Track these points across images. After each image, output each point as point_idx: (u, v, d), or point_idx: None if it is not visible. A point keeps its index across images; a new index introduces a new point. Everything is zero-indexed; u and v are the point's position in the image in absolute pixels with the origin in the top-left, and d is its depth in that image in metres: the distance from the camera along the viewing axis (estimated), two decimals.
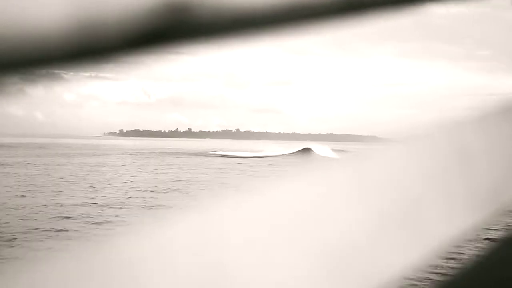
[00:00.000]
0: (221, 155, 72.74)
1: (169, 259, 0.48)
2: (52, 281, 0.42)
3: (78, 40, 0.44)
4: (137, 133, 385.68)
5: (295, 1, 0.58)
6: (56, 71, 0.46)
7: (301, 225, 0.56)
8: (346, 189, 0.62)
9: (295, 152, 71.15)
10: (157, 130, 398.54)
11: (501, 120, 0.85)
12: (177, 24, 0.49)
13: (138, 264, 0.46)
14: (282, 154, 70.30)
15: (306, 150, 72.01)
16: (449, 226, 0.72)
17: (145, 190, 30.33)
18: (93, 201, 25.49)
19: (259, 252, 0.53)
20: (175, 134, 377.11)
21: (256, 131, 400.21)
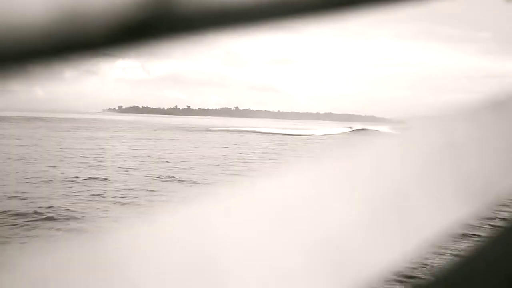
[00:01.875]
0: (259, 132, 70.48)
1: (160, 252, 0.48)
2: (38, 277, 0.42)
3: (60, 34, 0.43)
4: (136, 110, 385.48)
5: None
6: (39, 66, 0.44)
7: (290, 218, 0.57)
8: (335, 182, 0.62)
9: (348, 131, 69.81)
10: (156, 107, 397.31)
11: (494, 111, 0.86)
12: (162, 18, 0.48)
13: (129, 259, 0.46)
14: (336, 133, 69.20)
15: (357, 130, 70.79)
16: (442, 218, 0.72)
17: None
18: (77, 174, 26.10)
19: (249, 246, 0.53)
20: (174, 111, 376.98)
21: (255, 109, 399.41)
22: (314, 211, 0.59)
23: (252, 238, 0.53)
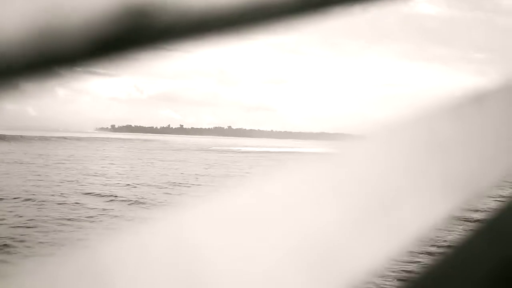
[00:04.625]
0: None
1: (148, 263, 0.47)
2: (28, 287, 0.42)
3: (35, 49, 0.43)
4: (129, 129, 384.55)
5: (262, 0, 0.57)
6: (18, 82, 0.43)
7: (278, 222, 0.57)
8: (322, 184, 0.62)
9: None
10: (149, 126, 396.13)
11: (475, 109, 0.86)
12: (139, 29, 0.48)
13: (116, 269, 0.46)
14: None
15: None
16: (427, 216, 0.73)
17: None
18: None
19: (237, 250, 0.53)
20: (167, 130, 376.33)
21: (248, 128, 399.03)
22: (298, 213, 0.58)
23: (235, 242, 0.53)
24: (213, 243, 0.52)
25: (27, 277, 0.42)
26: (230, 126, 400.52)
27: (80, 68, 0.47)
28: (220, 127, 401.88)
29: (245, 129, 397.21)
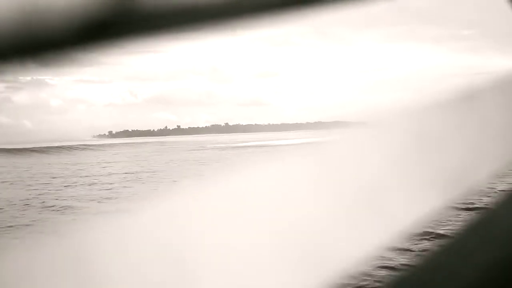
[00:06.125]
0: None
1: (129, 251, 0.47)
2: (7, 275, 0.42)
3: (20, 34, 0.42)
4: (126, 134, 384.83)
5: None
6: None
7: (264, 213, 0.56)
8: (309, 175, 0.61)
9: None
10: (147, 129, 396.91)
11: (470, 102, 0.86)
12: (124, 16, 0.48)
13: (97, 257, 0.45)
14: None
15: None
16: (418, 208, 0.72)
17: None
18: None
19: (222, 242, 0.53)
20: (164, 132, 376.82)
21: (245, 124, 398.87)
22: (285, 204, 0.58)
23: (219, 234, 0.52)
24: (195, 234, 0.51)
25: (3, 263, 0.42)
26: (227, 123, 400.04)
27: (66, 52, 0.46)
28: (217, 124, 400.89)
29: (242, 124, 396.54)
